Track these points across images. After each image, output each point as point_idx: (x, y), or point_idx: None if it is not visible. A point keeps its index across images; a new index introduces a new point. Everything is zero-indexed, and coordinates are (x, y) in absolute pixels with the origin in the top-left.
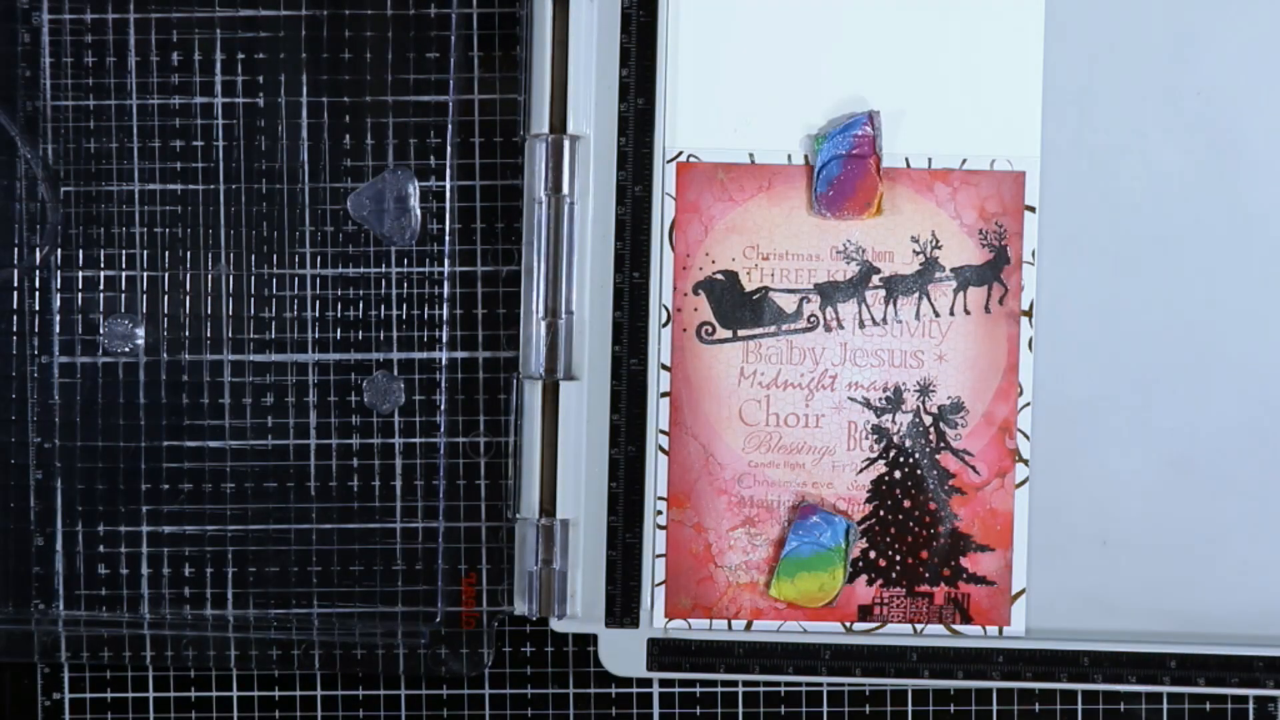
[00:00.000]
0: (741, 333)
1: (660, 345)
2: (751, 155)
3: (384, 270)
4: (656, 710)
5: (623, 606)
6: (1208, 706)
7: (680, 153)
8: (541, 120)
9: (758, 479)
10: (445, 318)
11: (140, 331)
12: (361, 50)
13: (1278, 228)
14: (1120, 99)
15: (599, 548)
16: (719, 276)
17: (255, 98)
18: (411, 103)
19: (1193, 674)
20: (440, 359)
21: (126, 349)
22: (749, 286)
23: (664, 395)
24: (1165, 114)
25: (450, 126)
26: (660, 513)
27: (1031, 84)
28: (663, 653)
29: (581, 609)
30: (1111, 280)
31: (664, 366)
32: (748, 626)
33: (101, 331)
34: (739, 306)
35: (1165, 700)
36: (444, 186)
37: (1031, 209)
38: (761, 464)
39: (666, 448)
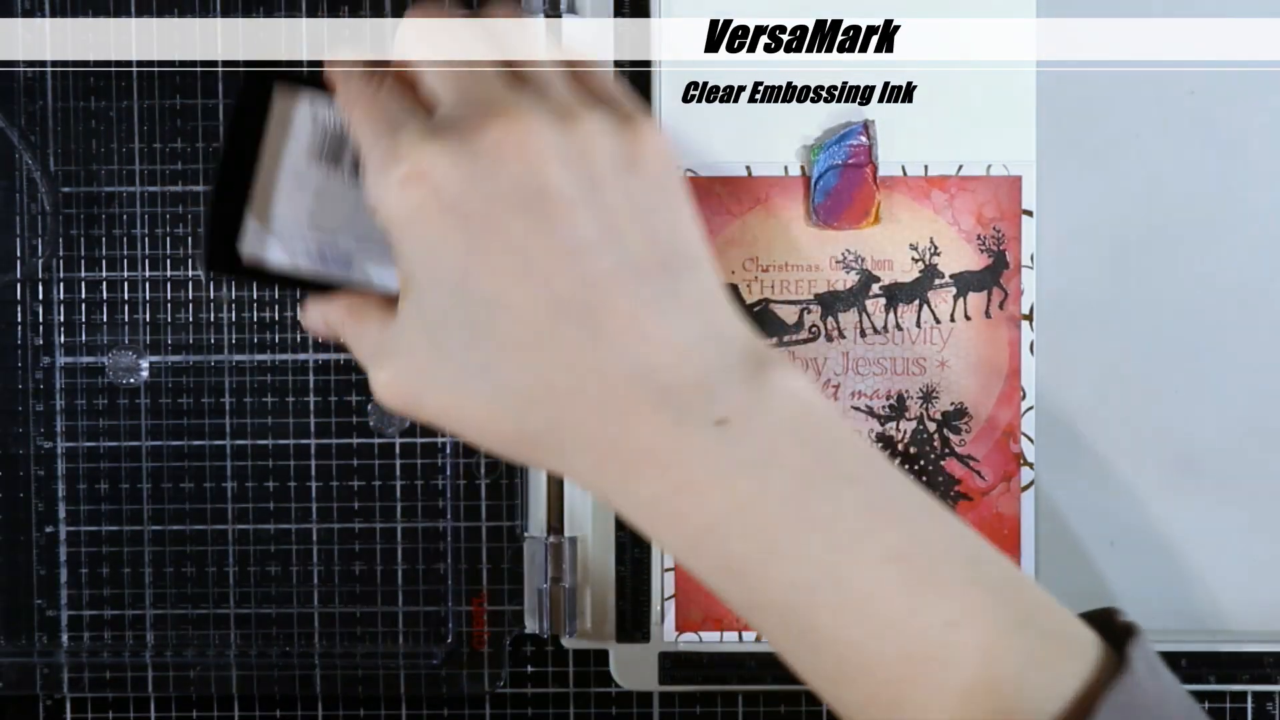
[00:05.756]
0: None
1: None
2: (748, 168)
3: None
4: (656, 710)
5: (633, 621)
6: (1206, 705)
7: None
8: None
9: None
10: None
11: (144, 363)
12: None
13: (1275, 226)
14: (1114, 100)
15: (608, 563)
16: None
17: None
18: None
19: (1204, 671)
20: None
21: (130, 380)
22: (749, 299)
23: None
24: (1159, 114)
25: None
26: None
27: (1025, 88)
28: (675, 666)
29: (592, 625)
30: (1111, 282)
31: None
32: (759, 638)
33: (106, 363)
34: None
35: None
36: None
37: (1029, 213)
38: None
39: None
